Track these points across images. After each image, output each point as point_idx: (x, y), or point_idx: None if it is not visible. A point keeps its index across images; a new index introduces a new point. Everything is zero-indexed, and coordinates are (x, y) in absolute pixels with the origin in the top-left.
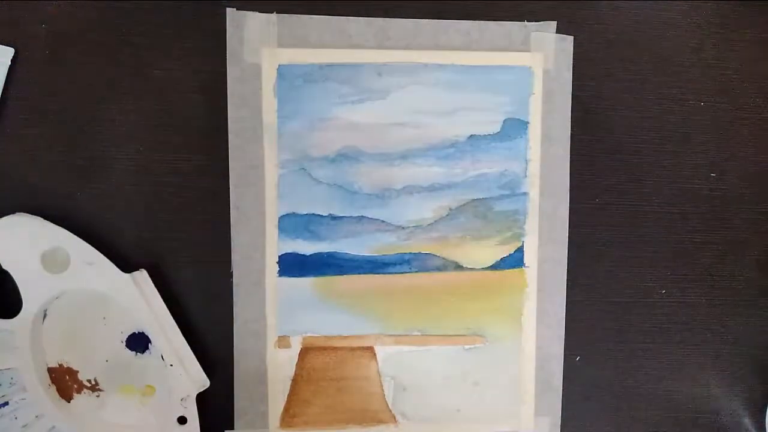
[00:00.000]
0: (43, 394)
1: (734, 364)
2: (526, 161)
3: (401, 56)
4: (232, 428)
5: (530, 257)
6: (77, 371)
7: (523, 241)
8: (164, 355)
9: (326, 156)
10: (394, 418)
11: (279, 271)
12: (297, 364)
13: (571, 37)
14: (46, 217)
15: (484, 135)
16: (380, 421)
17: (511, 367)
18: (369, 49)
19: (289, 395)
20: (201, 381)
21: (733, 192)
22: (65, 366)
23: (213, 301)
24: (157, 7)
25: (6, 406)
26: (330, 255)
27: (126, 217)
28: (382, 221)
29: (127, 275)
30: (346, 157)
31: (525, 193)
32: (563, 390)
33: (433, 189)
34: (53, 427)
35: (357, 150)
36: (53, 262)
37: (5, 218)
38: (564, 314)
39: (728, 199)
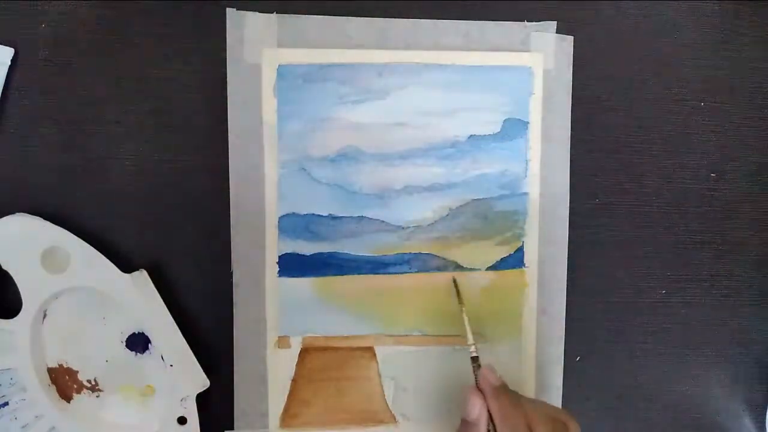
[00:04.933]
0: (43, 394)
1: (734, 364)
2: (526, 161)
3: (401, 56)
4: (232, 428)
5: (530, 257)
6: (77, 371)
7: (523, 241)
8: (164, 355)
9: (326, 156)
10: (394, 418)
11: (279, 271)
12: (297, 364)
13: (571, 37)
14: (46, 217)
15: (484, 135)
16: (380, 422)
17: (511, 367)
18: (369, 49)
19: (289, 395)
20: (201, 381)
21: (733, 192)
22: (65, 366)
23: (213, 301)
24: (157, 7)
25: (6, 407)
26: (330, 255)
27: (126, 217)
28: (382, 221)
29: (127, 275)
30: (346, 157)
31: (525, 193)
32: (563, 390)
33: (433, 189)
34: (53, 427)
35: (357, 150)
36: (53, 262)
37: (5, 218)
38: (564, 314)
39: (728, 199)
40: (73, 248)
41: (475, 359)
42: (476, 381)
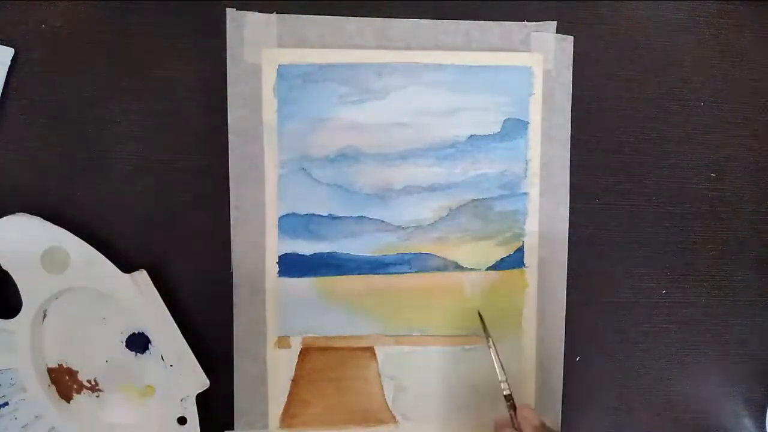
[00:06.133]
0: (43, 394)
1: (734, 364)
2: (526, 161)
3: (401, 56)
4: (232, 428)
5: (530, 257)
6: (77, 371)
7: (523, 241)
8: (164, 355)
9: (326, 156)
10: (394, 418)
11: (279, 271)
12: (297, 364)
13: (571, 37)
14: (46, 217)
15: (484, 135)
16: (380, 421)
17: (511, 367)
18: (369, 49)
19: (289, 395)
20: (201, 381)
21: (733, 192)
22: (65, 366)
23: (213, 301)
24: (157, 7)
25: (6, 407)
26: (330, 255)
27: (126, 217)
28: (382, 221)
29: (127, 275)
30: (346, 157)
31: (525, 193)
32: (563, 390)
33: (433, 189)
34: (53, 427)
35: (357, 150)
36: (53, 262)
37: (5, 218)
38: (564, 314)
39: (728, 199)
40: (73, 248)
41: (508, 398)
42: (511, 419)
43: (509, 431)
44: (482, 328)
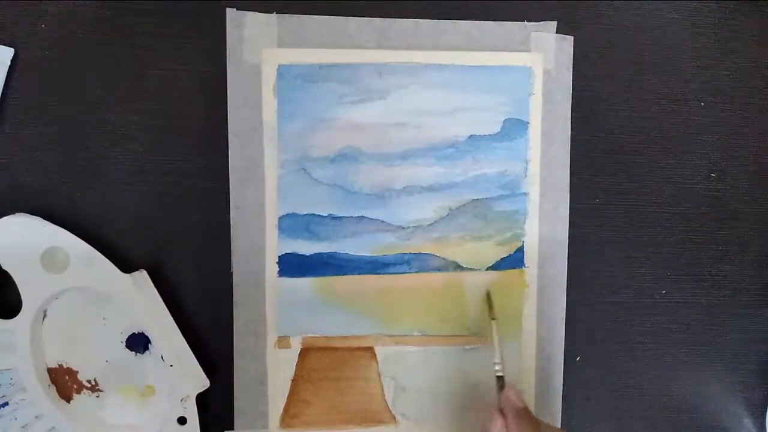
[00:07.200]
0: (43, 394)
1: (734, 364)
2: (526, 161)
3: (401, 56)
4: (232, 428)
5: (530, 257)
6: (77, 371)
7: (523, 241)
8: (164, 355)
9: (326, 156)
10: (394, 418)
11: (279, 271)
12: (297, 364)
13: (571, 37)
14: (46, 217)
15: (484, 135)
16: (380, 422)
17: (511, 367)
18: (369, 49)
19: (289, 395)
20: (201, 381)
21: (733, 192)
22: (65, 366)
23: (213, 301)
24: (157, 7)
25: (6, 407)
26: (330, 255)
27: (126, 217)
28: (382, 221)
29: (127, 275)
30: (346, 157)
31: (525, 193)
32: (563, 390)
33: (433, 189)
34: (53, 427)
35: (357, 150)
36: (53, 262)
37: (5, 218)
38: (564, 314)
39: (728, 199)
40: (73, 248)
41: (500, 379)
42: (498, 401)
43: (494, 413)
44: (488, 307)
